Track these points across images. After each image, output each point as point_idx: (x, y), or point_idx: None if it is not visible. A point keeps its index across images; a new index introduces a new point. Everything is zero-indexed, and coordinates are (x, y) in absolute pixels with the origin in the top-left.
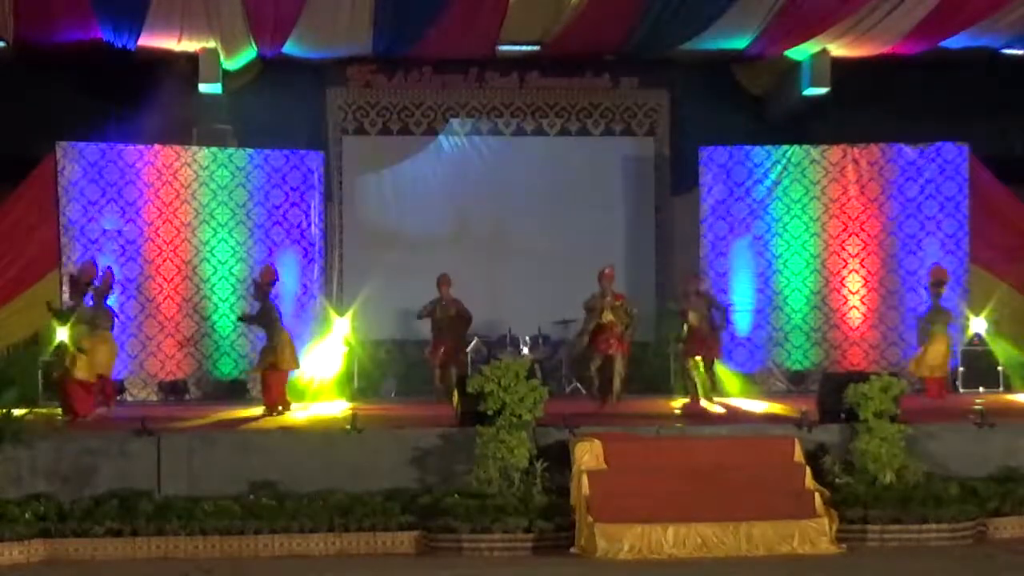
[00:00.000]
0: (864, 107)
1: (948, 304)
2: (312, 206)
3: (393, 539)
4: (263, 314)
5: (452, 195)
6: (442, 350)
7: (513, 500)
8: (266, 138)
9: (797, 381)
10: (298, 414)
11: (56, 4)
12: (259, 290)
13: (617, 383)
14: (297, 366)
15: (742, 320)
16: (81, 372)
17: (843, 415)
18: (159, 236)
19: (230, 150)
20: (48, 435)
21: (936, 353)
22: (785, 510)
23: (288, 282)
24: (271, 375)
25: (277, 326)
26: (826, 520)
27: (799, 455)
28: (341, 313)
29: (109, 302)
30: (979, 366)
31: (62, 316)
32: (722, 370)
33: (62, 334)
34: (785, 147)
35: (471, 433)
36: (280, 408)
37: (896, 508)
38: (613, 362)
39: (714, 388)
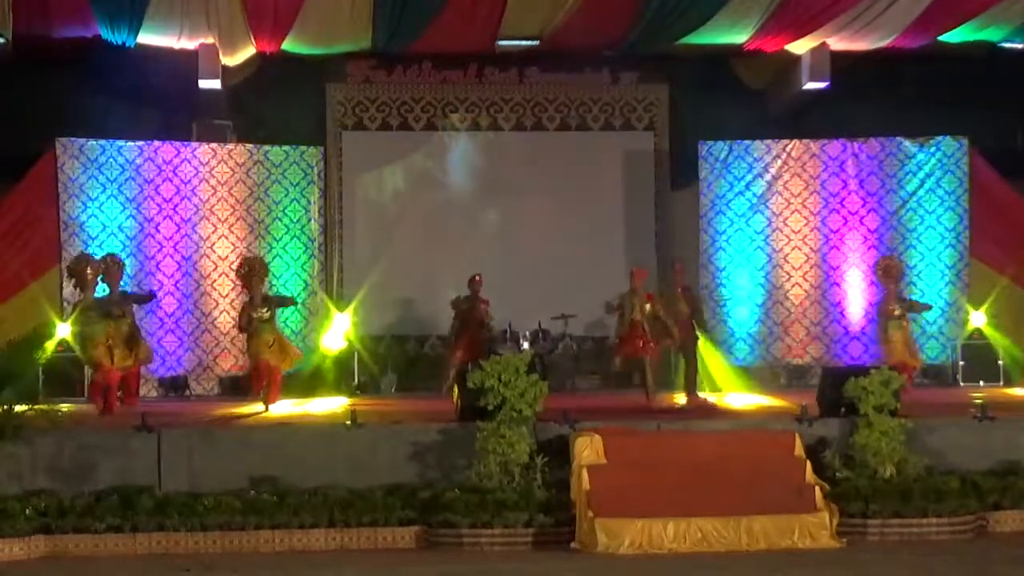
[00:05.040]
0: (864, 101)
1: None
2: (312, 201)
3: (393, 534)
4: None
5: (451, 190)
6: None
7: (513, 495)
8: (266, 134)
9: (797, 375)
10: (299, 409)
11: (54, 2)
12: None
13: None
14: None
15: (742, 315)
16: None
17: (843, 409)
18: (159, 232)
19: (230, 146)
20: (49, 431)
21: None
22: (785, 504)
23: (288, 278)
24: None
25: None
26: (826, 514)
27: (799, 449)
28: (341, 308)
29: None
30: (979, 360)
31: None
32: (722, 364)
33: (63, 330)
34: (785, 141)
35: (471, 428)
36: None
37: (896, 502)
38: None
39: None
